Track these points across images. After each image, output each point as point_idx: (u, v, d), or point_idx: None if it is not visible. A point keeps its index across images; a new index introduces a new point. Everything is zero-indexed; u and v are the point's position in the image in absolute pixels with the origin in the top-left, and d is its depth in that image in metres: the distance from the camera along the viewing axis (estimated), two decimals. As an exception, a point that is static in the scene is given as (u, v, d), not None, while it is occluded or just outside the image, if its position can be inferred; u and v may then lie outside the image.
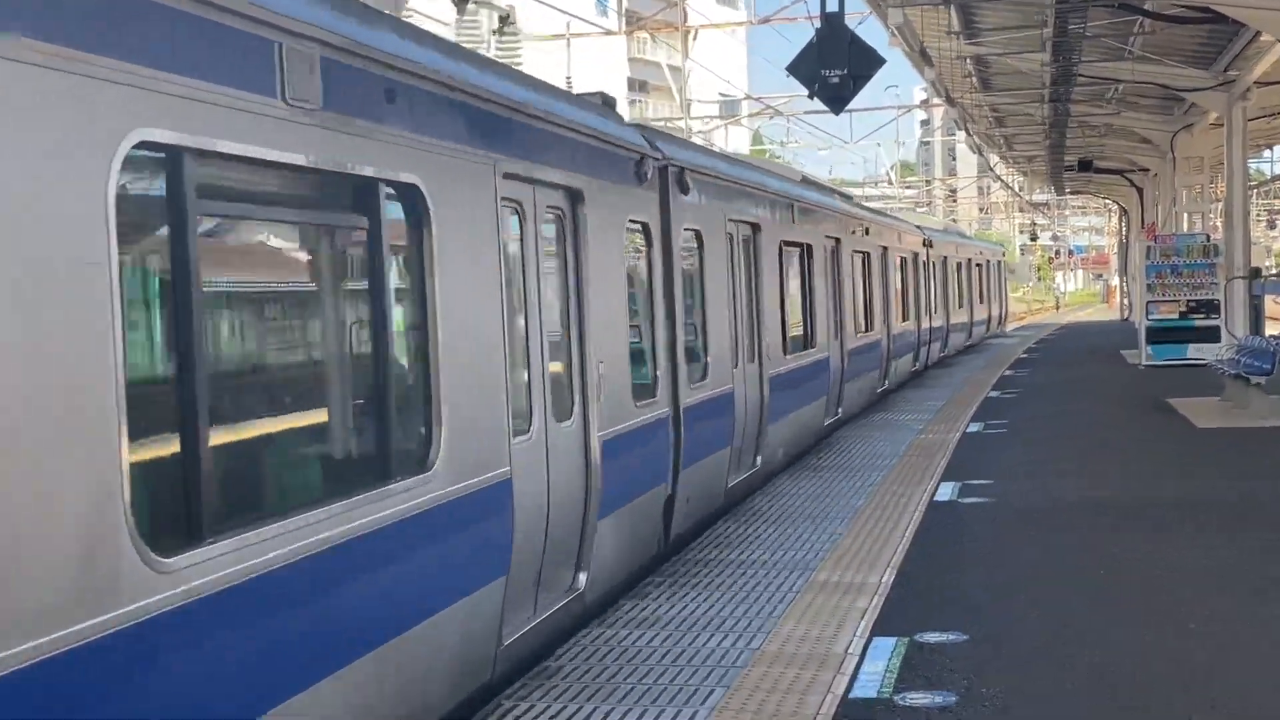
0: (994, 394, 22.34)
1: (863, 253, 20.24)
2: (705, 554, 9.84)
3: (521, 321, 7.45)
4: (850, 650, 7.23)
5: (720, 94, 62.04)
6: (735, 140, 75.87)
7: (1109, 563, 9.20)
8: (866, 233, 20.67)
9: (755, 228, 13.45)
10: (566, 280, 8.24)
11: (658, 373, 9.92)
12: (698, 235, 11.28)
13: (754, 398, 12.95)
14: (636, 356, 9.57)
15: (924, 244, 27.95)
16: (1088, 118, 32.16)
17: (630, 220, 9.49)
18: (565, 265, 8.23)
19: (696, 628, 7.78)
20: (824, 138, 57.75)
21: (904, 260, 25.10)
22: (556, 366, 8.03)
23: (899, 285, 24.34)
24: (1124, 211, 56.49)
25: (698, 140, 32.65)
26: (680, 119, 42.28)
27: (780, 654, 7.20)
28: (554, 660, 7.22)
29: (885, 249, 22.62)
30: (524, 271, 7.50)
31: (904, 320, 24.55)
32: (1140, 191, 44.66)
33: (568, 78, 29.90)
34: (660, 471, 9.88)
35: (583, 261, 8.32)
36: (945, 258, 31.43)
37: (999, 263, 46.30)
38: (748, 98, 54.34)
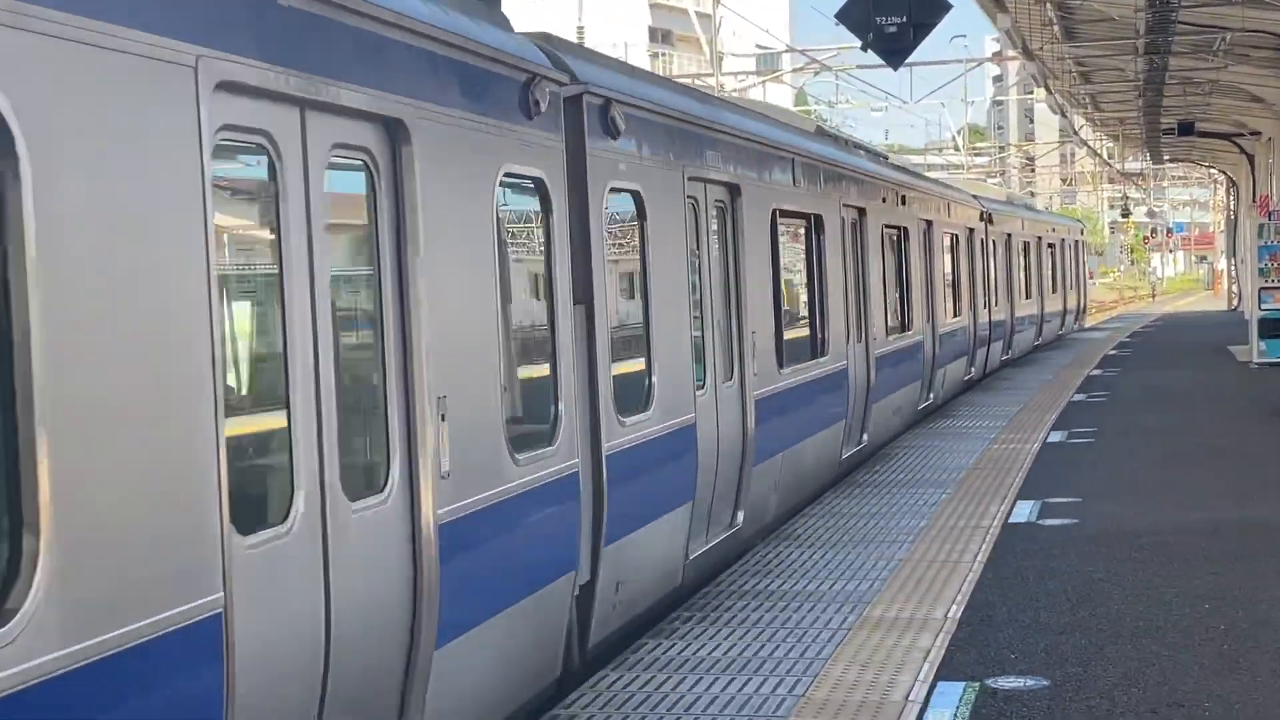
0: (1079, 398, 22.31)
1: (898, 228, 18.57)
2: (742, 584, 9.86)
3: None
4: (911, 697, 7.24)
5: (758, 46, 62.07)
6: (776, 99, 75.90)
7: (1214, 597, 9.19)
8: (903, 202, 19.02)
9: (732, 190, 11.34)
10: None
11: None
12: (636, 198, 9.33)
13: (730, 434, 10.94)
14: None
15: (982, 218, 26.13)
16: (1189, 73, 32.06)
17: (507, 174, 7.24)
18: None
19: (731, 670, 7.79)
20: (879, 97, 57.77)
21: (954, 239, 23.30)
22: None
23: (947, 270, 22.55)
24: (1232, 183, 56.33)
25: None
26: (710, 74, 42.30)
27: (829, 702, 7.21)
28: (565, 708, 7.24)
29: (929, 224, 20.88)
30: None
31: (954, 315, 22.80)
32: (1251, 159, 44.54)
33: (579, 27, 29.99)
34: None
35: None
36: (1009, 235, 29.48)
37: (1077, 242, 43.96)
38: (789, 50, 54.34)
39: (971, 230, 24.66)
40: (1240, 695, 7.17)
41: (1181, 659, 7.82)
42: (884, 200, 17.78)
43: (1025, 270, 31.66)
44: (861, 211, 16.20)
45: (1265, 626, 8.42)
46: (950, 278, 22.75)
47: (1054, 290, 37.13)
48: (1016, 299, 30.02)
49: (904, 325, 18.74)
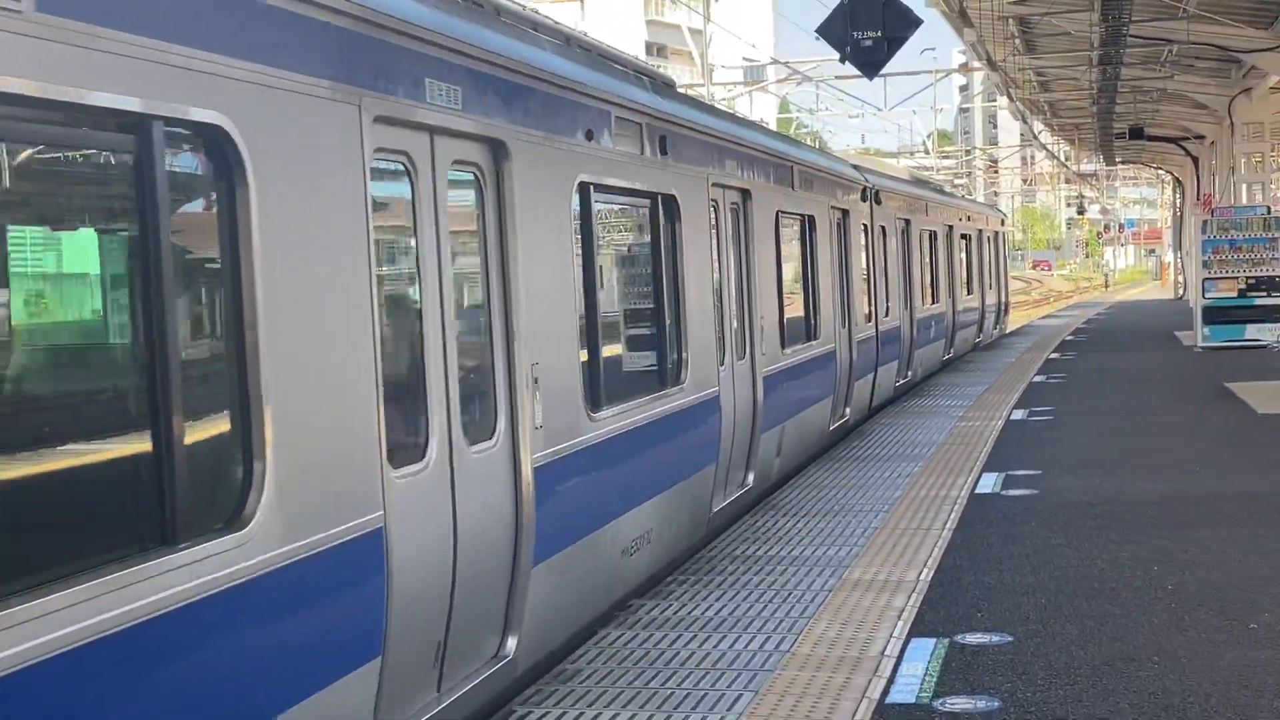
0: (1039, 379, 22.30)
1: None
2: (733, 549, 9.86)
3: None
4: (887, 652, 7.24)
5: (744, 59, 61.92)
6: (761, 108, 75.72)
7: (1163, 559, 9.19)
8: (745, 171, 12.13)
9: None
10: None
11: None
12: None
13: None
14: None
15: (864, 197, 18.13)
16: (1139, 82, 32.02)
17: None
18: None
19: (723, 628, 7.79)
20: (856, 105, 57.64)
21: (825, 224, 15.49)
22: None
23: (811, 269, 14.87)
24: (1178, 182, 56.28)
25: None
26: (701, 85, 42.23)
27: (812, 656, 7.21)
28: (572, 663, 7.24)
29: (745, 194, 12.26)
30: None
31: (810, 337, 14.47)
32: (1196, 161, 44.47)
33: (582, 42, 29.92)
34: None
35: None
36: (907, 222, 21.39)
37: (997, 234, 34.27)
38: (774, 62, 54.23)
39: (845, 213, 16.79)
40: (1186, 650, 7.17)
41: (1133, 617, 7.83)
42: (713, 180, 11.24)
43: (931, 267, 23.87)
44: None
45: (1209, 587, 8.42)
46: (809, 280, 14.91)
47: (969, 292, 28.66)
48: (920, 302, 22.28)
49: (742, 348, 11.84)
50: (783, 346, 12.89)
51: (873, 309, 18.35)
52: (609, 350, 8.71)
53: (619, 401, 8.49)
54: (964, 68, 57.68)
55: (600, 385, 8.21)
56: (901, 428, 16.46)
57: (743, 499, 11.46)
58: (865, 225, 18.12)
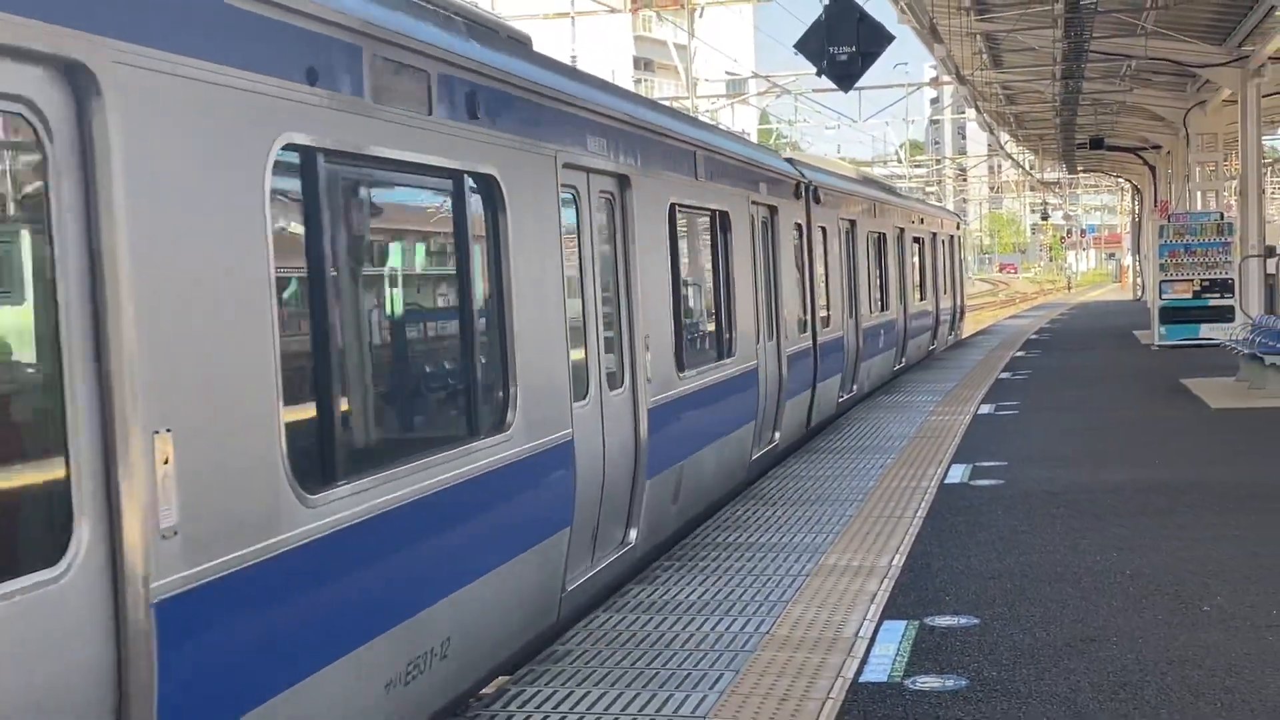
0: (1005, 375, 22.34)
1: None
2: (715, 537, 9.87)
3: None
4: (860, 634, 7.25)
5: (727, 72, 61.92)
6: (743, 119, 75.74)
7: (1121, 546, 9.22)
8: (669, 163, 10.32)
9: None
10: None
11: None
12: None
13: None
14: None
15: (798, 194, 15.24)
16: (1100, 95, 32.09)
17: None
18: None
19: (706, 611, 7.80)
20: (832, 116, 57.66)
21: (743, 221, 12.67)
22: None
23: (724, 274, 12.11)
24: (1137, 190, 56.42)
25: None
26: (686, 97, 42.23)
27: (790, 638, 7.22)
28: (562, 644, 7.24)
29: (706, 213, 11.63)
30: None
31: (723, 355, 11.79)
32: (1153, 169, 44.59)
33: (573, 56, 29.89)
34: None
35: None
36: (853, 224, 18.52)
37: (953, 238, 31.05)
38: (754, 76, 54.23)
39: (772, 210, 14.00)
40: (1143, 631, 7.20)
41: (1093, 600, 7.85)
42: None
43: (880, 273, 20.97)
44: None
45: (1165, 572, 8.45)
46: (726, 294, 12.15)
47: (922, 298, 25.77)
48: (865, 312, 19.34)
49: (678, 363, 10.39)
50: (680, 369, 10.20)
51: (810, 319, 15.57)
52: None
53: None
54: (934, 81, 57.77)
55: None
56: (874, 421, 16.48)
57: (625, 557, 9.02)
58: (799, 225, 15.13)
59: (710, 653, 7.00)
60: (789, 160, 16.24)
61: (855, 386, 18.85)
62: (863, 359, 19.03)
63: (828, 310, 16.82)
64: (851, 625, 7.42)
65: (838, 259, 17.44)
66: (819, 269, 16.34)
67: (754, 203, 13.12)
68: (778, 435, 13.92)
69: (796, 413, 14.87)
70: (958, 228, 33.09)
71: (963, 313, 33.84)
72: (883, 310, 20.99)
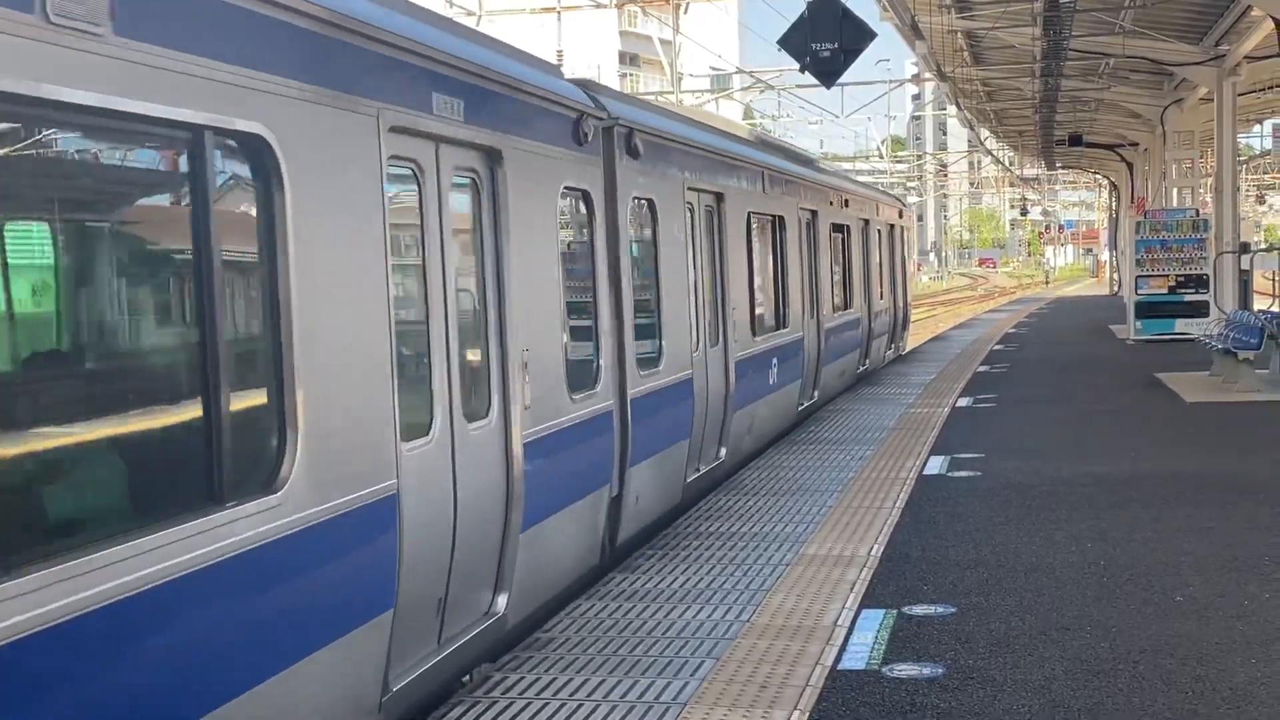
0: (983, 368, 22.39)
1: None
2: (697, 526, 9.88)
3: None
4: (839, 622, 7.28)
5: (711, 67, 61.82)
6: (727, 113, 75.66)
7: (1096, 537, 9.25)
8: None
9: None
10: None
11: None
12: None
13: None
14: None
15: (580, 137, 8.71)
16: (1078, 92, 32.16)
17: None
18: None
19: (687, 599, 7.81)
20: (815, 112, 57.65)
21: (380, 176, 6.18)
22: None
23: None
24: (1114, 186, 56.56)
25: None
26: (671, 92, 42.18)
27: (770, 626, 7.24)
28: (545, 631, 7.25)
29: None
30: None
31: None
32: (1130, 166, 44.70)
33: (559, 50, 29.90)
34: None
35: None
36: (718, 197, 12.42)
37: (894, 228, 24.57)
38: (739, 71, 54.19)
39: (647, 203, 10.27)
40: (1116, 620, 7.23)
41: (1067, 590, 7.88)
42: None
43: (775, 274, 15.14)
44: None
45: (1138, 563, 8.49)
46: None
47: (845, 306, 19.37)
48: (744, 329, 13.07)
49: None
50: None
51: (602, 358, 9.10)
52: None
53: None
54: (916, 78, 57.82)
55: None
56: (855, 413, 16.51)
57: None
58: (582, 192, 8.85)
59: (691, 640, 7.01)
60: (581, 85, 9.43)
61: (729, 447, 12.41)
62: (736, 406, 12.52)
63: (659, 338, 10.32)
64: (831, 614, 7.44)
65: (682, 243, 11.15)
66: (648, 261, 10.31)
67: (429, 139, 6.60)
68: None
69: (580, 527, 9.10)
70: (901, 216, 26.22)
71: (907, 321, 26.94)
72: (778, 327, 14.96)
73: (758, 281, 14.02)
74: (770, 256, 15.05)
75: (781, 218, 15.19)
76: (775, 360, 14.35)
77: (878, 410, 16.79)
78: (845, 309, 19.24)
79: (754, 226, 13.75)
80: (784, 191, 15.39)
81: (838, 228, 18.81)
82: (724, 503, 10.80)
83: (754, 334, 13.51)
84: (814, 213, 17.08)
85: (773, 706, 5.98)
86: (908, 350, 27.26)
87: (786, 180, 15.55)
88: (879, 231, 22.57)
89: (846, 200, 19.65)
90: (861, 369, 20.96)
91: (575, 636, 7.14)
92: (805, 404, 16.37)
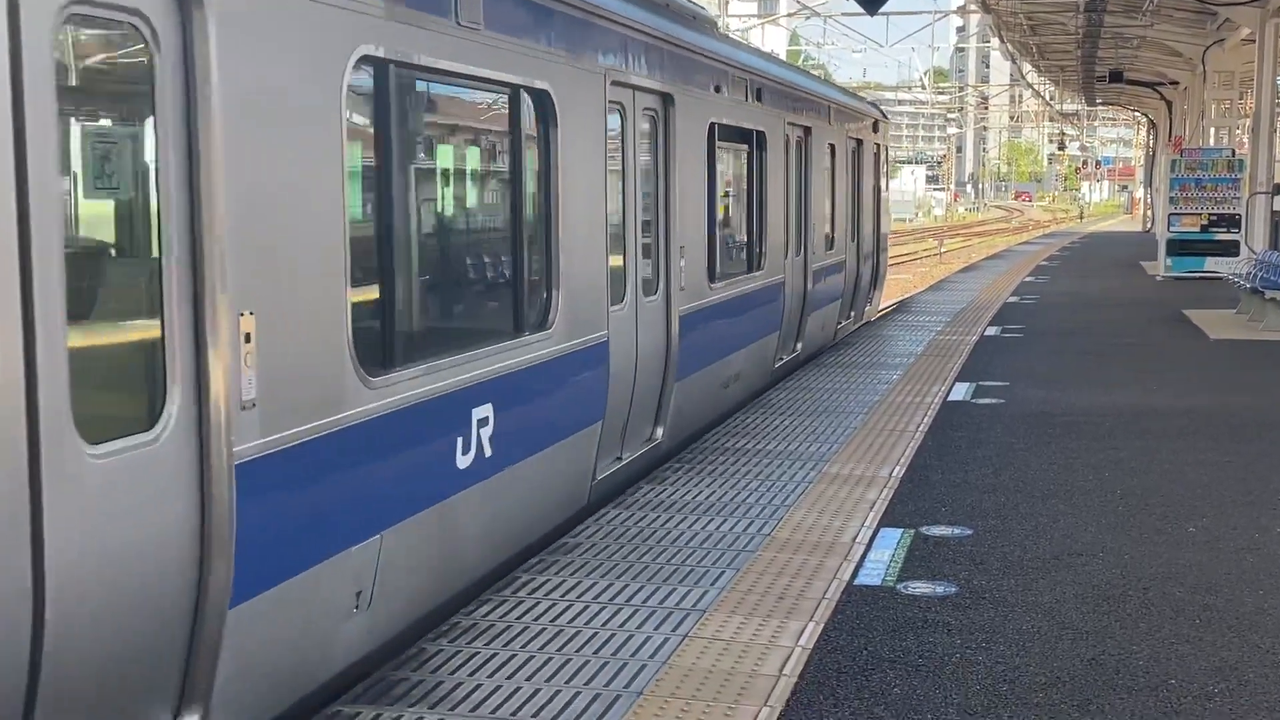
0: (1013, 299, 22.22)
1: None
2: (722, 442, 9.90)
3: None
4: (858, 539, 7.30)
5: (758, -7, 60.97)
6: (773, 40, 74.80)
7: (1114, 466, 9.22)
8: None
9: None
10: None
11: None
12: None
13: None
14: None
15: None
16: (1121, 29, 31.53)
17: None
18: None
19: (711, 512, 7.85)
20: (859, 40, 56.86)
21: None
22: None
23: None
24: (1152, 124, 55.65)
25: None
26: (718, 15, 41.68)
27: (790, 540, 7.26)
28: (572, 537, 7.30)
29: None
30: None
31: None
32: (1169, 105, 43.93)
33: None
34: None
35: None
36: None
37: (863, 145, 17.52)
38: (785, -2, 53.35)
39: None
40: (1129, 548, 7.22)
41: (1082, 517, 7.87)
42: None
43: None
44: None
45: (1154, 493, 8.46)
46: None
47: (795, 252, 13.62)
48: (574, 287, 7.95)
49: None
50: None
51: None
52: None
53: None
54: (961, 10, 56.83)
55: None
56: (884, 339, 16.44)
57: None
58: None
59: (713, 551, 7.05)
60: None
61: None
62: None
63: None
64: (850, 531, 7.46)
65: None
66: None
67: None
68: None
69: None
70: (875, 130, 18.76)
71: (881, 274, 20.06)
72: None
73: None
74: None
75: (731, 127, 11.18)
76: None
77: (907, 336, 16.71)
78: (758, 271, 12.13)
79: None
80: (681, 70, 9.90)
81: (761, 137, 12.32)
82: (752, 420, 10.81)
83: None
84: (759, 124, 12.12)
85: (789, 617, 6.02)
86: (957, 270, 27.04)
87: (677, 55, 9.62)
88: (847, 152, 16.53)
89: (795, 95, 13.57)
90: (840, 328, 16.81)
91: (601, 543, 7.19)
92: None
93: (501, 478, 6.54)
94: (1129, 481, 8.76)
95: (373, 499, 5.28)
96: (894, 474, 8.89)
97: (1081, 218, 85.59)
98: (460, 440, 6.04)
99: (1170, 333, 17.34)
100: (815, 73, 30.31)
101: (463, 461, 6.08)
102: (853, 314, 17.74)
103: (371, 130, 5.46)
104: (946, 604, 6.25)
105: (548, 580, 6.52)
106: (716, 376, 10.72)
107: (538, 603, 6.19)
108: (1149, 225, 50.05)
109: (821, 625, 5.93)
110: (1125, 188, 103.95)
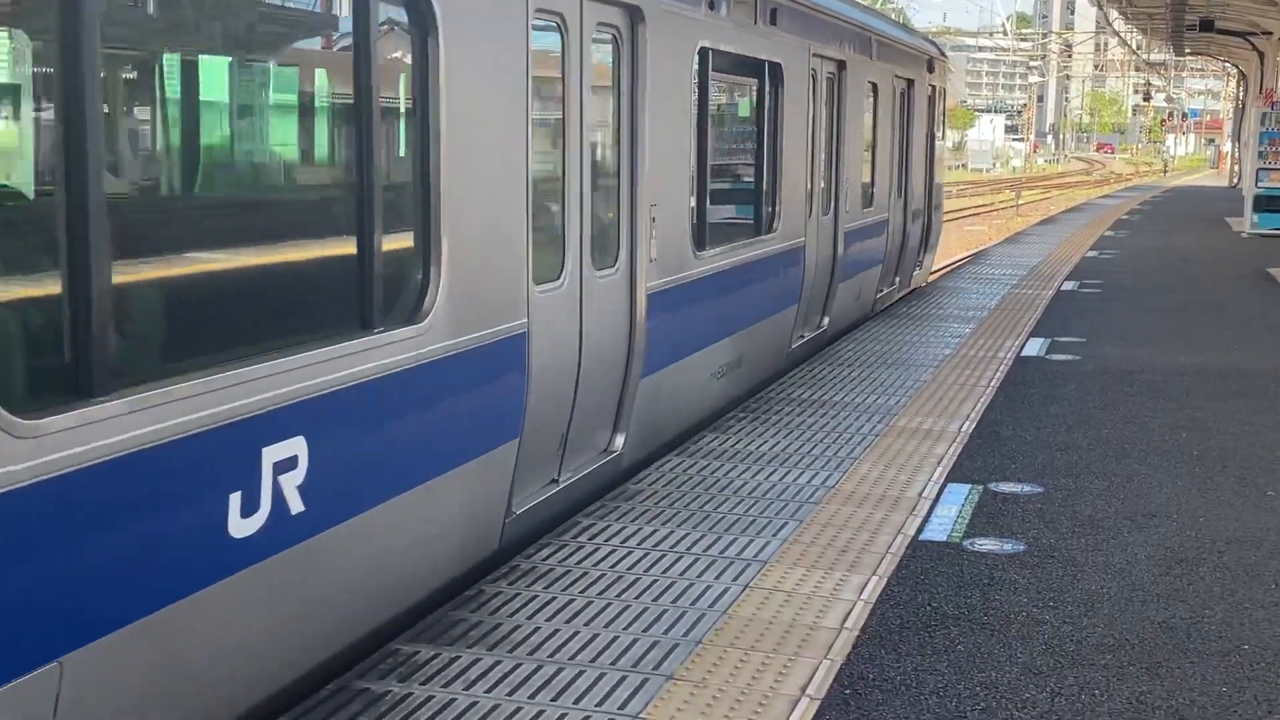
0: (1092, 254, 21.83)
1: None
2: (790, 393, 9.82)
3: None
4: (924, 494, 7.21)
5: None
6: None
7: (1192, 429, 9.03)
8: None
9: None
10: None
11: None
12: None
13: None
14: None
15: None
16: (1214, -24, 30.67)
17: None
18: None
19: (774, 463, 7.79)
20: (941, -15, 55.74)
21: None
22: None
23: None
24: (1243, 76, 54.26)
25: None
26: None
27: (855, 493, 7.19)
28: (635, 483, 7.28)
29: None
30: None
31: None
32: (1261, 56, 42.77)
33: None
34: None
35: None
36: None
37: (913, 85, 15.34)
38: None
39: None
40: (1205, 510, 7.07)
41: (1158, 477, 7.72)
42: None
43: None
44: None
45: (1231, 455, 8.28)
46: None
47: (822, 211, 11.74)
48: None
49: None
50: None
51: None
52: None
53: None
54: (1047, -45, 55.63)
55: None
56: (957, 292, 16.22)
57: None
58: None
59: (776, 501, 7.00)
60: None
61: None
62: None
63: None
64: (917, 485, 7.38)
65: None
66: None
67: None
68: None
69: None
70: (931, 70, 16.52)
71: (932, 236, 17.87)
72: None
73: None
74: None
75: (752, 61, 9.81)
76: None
77: (980, 289, 16.48)
78: (772, 233, 10.39)
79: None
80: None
81: (829, 77, 11.92)
82: (820, 371, 10.71)
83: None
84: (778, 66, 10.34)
85: (852, 570, 5.96)
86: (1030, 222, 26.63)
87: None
88: (896, 94, 14.74)
89: (835, 22, 11.86)
90: (880, 299, 14.94)
91: (663, 490, 7.16)
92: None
93: (319, 541, 4.58)
94: (1206, 442, 8.58)
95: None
96: (963, 429, 8.77)
97: (1165, 171, 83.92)
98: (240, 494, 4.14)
99: (1254, 291, 16.95)
100: (893, 16, 29.47)
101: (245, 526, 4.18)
102: (897, 280, 15.51)
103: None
104: (1014, 562, 6.16)
105: (608, 526, 6.51)
106: (704, 365, 8.77)
107: (597, 548, 6.18)
108: (1235, 180, 48.93)
109: (885, 579, 5.87)
110: (1212, 141, 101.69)
